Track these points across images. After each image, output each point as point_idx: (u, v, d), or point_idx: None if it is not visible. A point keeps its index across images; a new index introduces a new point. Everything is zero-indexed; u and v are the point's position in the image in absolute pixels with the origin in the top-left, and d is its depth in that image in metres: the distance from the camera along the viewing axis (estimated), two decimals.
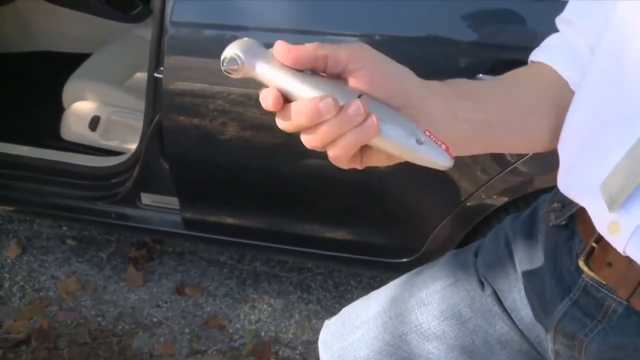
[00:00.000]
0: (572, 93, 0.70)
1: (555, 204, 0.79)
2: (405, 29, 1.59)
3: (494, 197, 1.67)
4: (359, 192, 1.76)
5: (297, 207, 1.87)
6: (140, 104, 1.88)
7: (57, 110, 2.27)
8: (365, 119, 0.50)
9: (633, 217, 0.60)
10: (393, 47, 1.59)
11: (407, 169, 1.81)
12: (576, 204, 0.73)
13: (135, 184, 1.92)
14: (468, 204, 1.69)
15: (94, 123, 2.21)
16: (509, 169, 1.59)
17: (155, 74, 1.68)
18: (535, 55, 0.74)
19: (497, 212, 1.70)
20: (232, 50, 0.52)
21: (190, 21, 1.61)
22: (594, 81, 0.65)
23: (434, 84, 0.59)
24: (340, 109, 0.49)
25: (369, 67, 0.53)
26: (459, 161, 1.79)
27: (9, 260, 2.28)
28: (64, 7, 2.54)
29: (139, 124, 1.89)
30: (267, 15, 1.61)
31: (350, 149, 0.51)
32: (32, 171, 2.08)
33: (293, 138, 1.82)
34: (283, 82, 0.52)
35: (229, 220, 1.93)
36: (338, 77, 0.53)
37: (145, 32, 2.35)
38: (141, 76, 2.16)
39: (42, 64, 2.71)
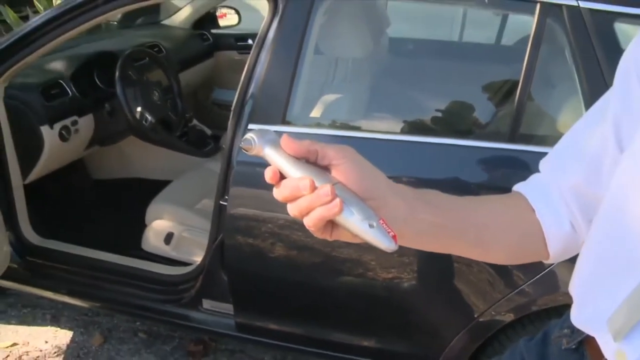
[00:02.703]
0: (538, 222, 0.71)
1: (565, 330, 0.76)
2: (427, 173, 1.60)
3: (503, 314, 1.60)
4: (386, 305, 1.72)
5: (332, 316, 1.82)
6: (207, 224, 1.89)
7: (141, 226, 2.31)
8: (331, 200, 0.54)
9: (635, 347, 0.59)
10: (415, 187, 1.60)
11: (429, 286, 1.76)
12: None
13: (198, 290, 1.91)
14: (481, 320, 1.62)
15: (169, 238, 2.24)
16: (516, 290, 1.54)
17: (221, 202, 1.71)
18: (516, 186, 0.77)
19: (505, 327, 1.63)
20: (250, 134, 0.59)
21: (251, 161, 1.64)
22: (599, 232, 0.65)
23: (400, 187, 0.62)
24: (315, 190, 0.54)
25: (348, 165, 0.58)
26: (474, 282, 1.72)
27: (93, 347, 2.24)
28: (154, 144, 2.66)
29: (204, 241, 1.90)
30: None
31: (319, 220, 0.55)
32: (116, 275, 2.10)
33: (331, 257, 1.80)
34: (281, 164, 0.58)
35: (274, 326, 1.88)
36: (326, 168, 0.58)
37: (214, 165, 2.41)
38: (208, 202, 2.19)
39: (133, 188, 2.80)
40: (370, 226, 0.54)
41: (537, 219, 0.71)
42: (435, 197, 0.67)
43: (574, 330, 0.73)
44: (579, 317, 0.69)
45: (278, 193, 0.57)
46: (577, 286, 0.69)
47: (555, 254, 0.72)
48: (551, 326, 0.84)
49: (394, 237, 0.55)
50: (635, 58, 0.63)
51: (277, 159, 0.58)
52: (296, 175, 0.56)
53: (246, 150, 0.59)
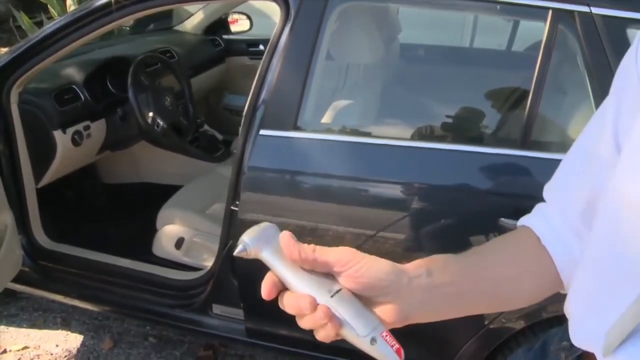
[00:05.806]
0: (548, 255, 0.68)
1: (565, 343, 0.75)
2: (438, 179, 1.61)
3: (514, 321, 1.60)
4: None
5: None
6: (218, 230, 1.90)
7: (152, 230, 2.32)
8: (327, 322, 0.52)
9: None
10: (426, 194, 1.60)
11: None
12: None
13: (208, 295, 1.92)
14: (491, 327, 1.62)
15: (179, 243, 2.25)
16: None
17: (232, 207, 1.72)
18: (521, 220, 0.73)
19: (515, 335, 1.62)
20: (244, 237, 0.54)
21: (263, 166, 1.66)
22: (595, 247, 0.63)
23: (410, 270, 0.59)
24: (316, 307, 0.52)
25: (350, 272, 0.55)
26: None
27: (103, 351, 2.26)
28: (165, 149, 2.68)
29: (215, 246, 1.91)
30: (320, 161, 1.65)
31: (324, 339, 0.54)
32: (126, 279, 2.11)
33: None
34: (280, 272, 0.54)
35: (284, 332, 1.88)
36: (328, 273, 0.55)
37: (225, 170, 2.41)
38: (219, 206, 2.19)
39: (144, 193, 2.81)
40: (373, 342, 0.53)
41: (547, 251, 0.69)
42: (447, 264, 0.65)
43: (573, 344, 0.72)
44: (577, 335, 0.66)
45: (282, 305, 0.55)
46: (574, 304, 0.67)
47: (568, 283, 0.70)
48: (550, 335, 0.82)
49: (398, 350, 0.53)
50: (637, 57, 0.60)
51: (275, 265, 0.54)
52: (296, 285, 0.53)
53: (241, 257, 0.54)
